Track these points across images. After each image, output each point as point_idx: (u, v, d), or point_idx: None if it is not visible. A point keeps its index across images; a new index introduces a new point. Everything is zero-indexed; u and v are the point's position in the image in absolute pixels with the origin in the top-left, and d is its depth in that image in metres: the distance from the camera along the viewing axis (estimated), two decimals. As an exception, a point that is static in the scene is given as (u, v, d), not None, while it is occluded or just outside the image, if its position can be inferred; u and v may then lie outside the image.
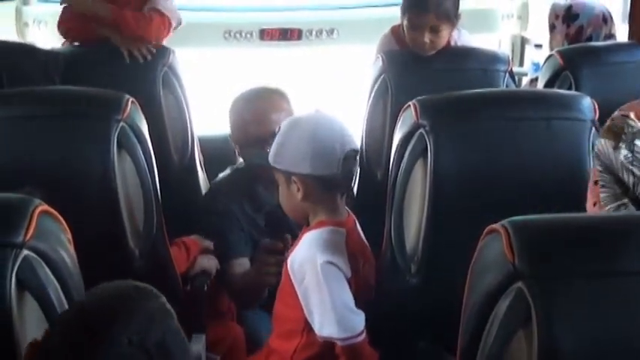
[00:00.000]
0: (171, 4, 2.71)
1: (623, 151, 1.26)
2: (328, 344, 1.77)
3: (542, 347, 1.02)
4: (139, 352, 1.05)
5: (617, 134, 1.28)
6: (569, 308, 1.03)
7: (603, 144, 1.30)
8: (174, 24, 2.70)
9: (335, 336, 1.75)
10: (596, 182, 1.33)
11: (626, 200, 1.27)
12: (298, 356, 1.83)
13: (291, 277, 1.80)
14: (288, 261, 1.82)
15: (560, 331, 1.02)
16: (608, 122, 1.33)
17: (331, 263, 1.75)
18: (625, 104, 1.33)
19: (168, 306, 1.13)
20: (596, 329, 1.03)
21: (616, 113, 1.32)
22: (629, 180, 1.25)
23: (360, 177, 2.34)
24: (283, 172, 1.83)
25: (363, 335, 1.77)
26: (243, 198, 2.28)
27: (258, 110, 2.24)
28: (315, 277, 1.76)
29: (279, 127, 1.86)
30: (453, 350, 1.20)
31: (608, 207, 1.29)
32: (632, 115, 1.28)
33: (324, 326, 1.75)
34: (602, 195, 1.30)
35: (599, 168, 1.31)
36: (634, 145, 1.25)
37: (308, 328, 1.79)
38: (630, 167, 1.25)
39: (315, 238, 1.80)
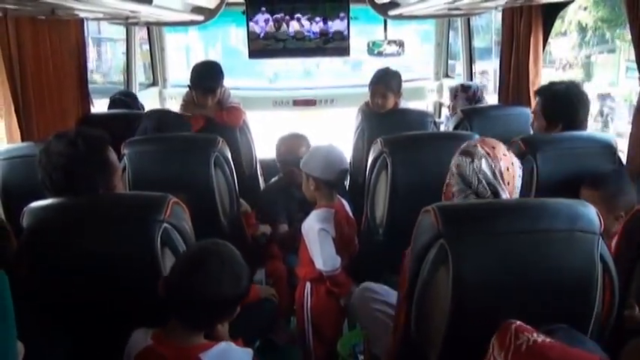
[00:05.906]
0: (233, 97, 2.55)
1: (475, 165, 1.24)
2: (321, 272, 1.76)
3: (455, 275, 1.01)
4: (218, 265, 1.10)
5: (472, 154, 1.25)
6: (468, 253, 1.01)
7: (462, 159, 1.26)
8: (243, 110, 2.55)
9: (323, 269, 1.74)
10: (448, 184, 1.30)
11: (469, 192, 1.24)
12: (309, 277, 1.82)
13: (303, 235, 1.79)
14: (302, 226, 1.80)
15: (464, 265, 1.01)
16: (464, 146, 1.29)
17: (323, 229, 1.74)
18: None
19: (232, 247, 1.16)
20: (483, 263, 1.01)
21: (470, 142, 1.29)
22: (474, 182, 1.23)
23: (350, 180, 2.31)
24: (307, 173, 1.81)
25: (339, 270, 1.76)
26: (283, 192, 2.25)
27: (290, 147, 2.22)
28: (314, 236, 1.74)
29: (308, 150, 1.85)
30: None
31: (458, 197, 1.25)
32: (479, 145, 1.26)
33: (317, 263, 1.75)
34: (454, 190, 1.27)
35: (455, 172, 1.27)
36: (480, 162, 1.23)
37: (312, 262, 1.77)
38: (478, 174, 1.23)
39: (316, 213, 1.78)
